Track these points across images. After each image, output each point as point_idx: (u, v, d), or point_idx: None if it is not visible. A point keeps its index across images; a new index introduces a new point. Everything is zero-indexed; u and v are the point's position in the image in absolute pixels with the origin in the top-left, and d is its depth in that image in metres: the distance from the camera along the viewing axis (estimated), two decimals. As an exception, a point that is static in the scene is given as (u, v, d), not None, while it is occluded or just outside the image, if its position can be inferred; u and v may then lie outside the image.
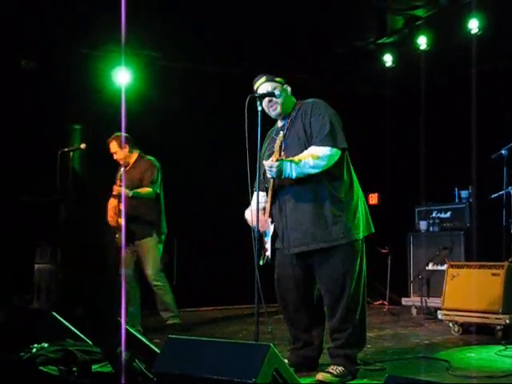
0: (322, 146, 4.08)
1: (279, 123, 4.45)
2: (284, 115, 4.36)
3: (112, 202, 6.24)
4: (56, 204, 6.62)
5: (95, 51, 7.87)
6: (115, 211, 6.18)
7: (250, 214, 4.30)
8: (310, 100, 4.36)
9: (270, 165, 4.01)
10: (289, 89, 4.41)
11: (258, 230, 4.02)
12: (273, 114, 4.36)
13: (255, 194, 4.18)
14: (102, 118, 7.43)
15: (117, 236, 6.21)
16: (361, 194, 4.35)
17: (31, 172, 7.27)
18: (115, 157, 6.30)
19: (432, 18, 7.70)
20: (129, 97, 6.96)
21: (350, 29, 8.10)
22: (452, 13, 7.56)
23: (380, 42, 8.54)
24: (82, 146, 6.44)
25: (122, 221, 6.04)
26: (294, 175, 4.04)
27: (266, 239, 4.34)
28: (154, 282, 6.26)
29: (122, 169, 6.23)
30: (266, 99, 4.26)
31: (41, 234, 6.81)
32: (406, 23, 7.99)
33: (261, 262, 4.23)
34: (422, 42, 8.09)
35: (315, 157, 4.03)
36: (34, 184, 7.18)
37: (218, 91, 8.32)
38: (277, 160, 4.00)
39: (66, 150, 6.38)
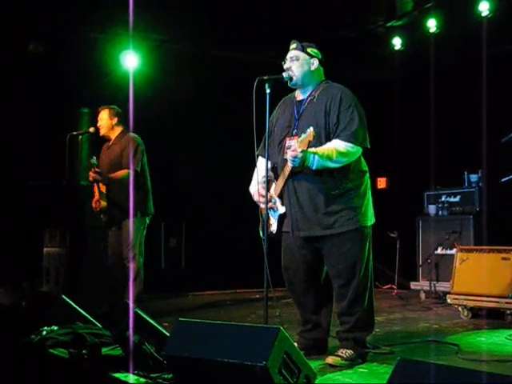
0: (348, 141, 4.04)
1: (297, 95, 4.37)
2: (302, 88, 4.30)
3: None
4: (65, 188, 6.62)
5: (103, 35, 7.84)
6: (98, 195, 6.06)
7: (253, 189, 4.37)
8: (338, 86, 4.26)
9: (294, 155, 3.94)
10: (315, 63, 4.27)
11: (264, 202, 4.06)
12: (289, 83, 4.26)
13: (259, 160, 4.33)
14: (110, 101, 7.38)
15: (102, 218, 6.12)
16: (369, 182, 4.32)
17: (40, 156, 7.28)
18: (99, 123, 6.14)
19: (442, 1, 7.64)
20: (137, 80, 6.93)
21: (358, 12, 8.04)
22: (462, -5, 7.51)
23: (389, 25, 8.48)
24: (91, 129, 6.40)
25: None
26: (314, 167, 4.00)
27: (270, 215, 4.33)
28: (127, 264, 5.90)
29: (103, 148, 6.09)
30: (287, 64, 4.22)
31: (49, 218, 6.83)
32: (415, 6, 7.94)
33: (263, 236, 4.19)
34: (432, 24, 8.03)
35: (339, 153, 4.00)
36: (43, 168, 7.19)
37: (226, 75, 8.29)
38: (302, 151, 3.91)
39: (74, 133, 6.36)
